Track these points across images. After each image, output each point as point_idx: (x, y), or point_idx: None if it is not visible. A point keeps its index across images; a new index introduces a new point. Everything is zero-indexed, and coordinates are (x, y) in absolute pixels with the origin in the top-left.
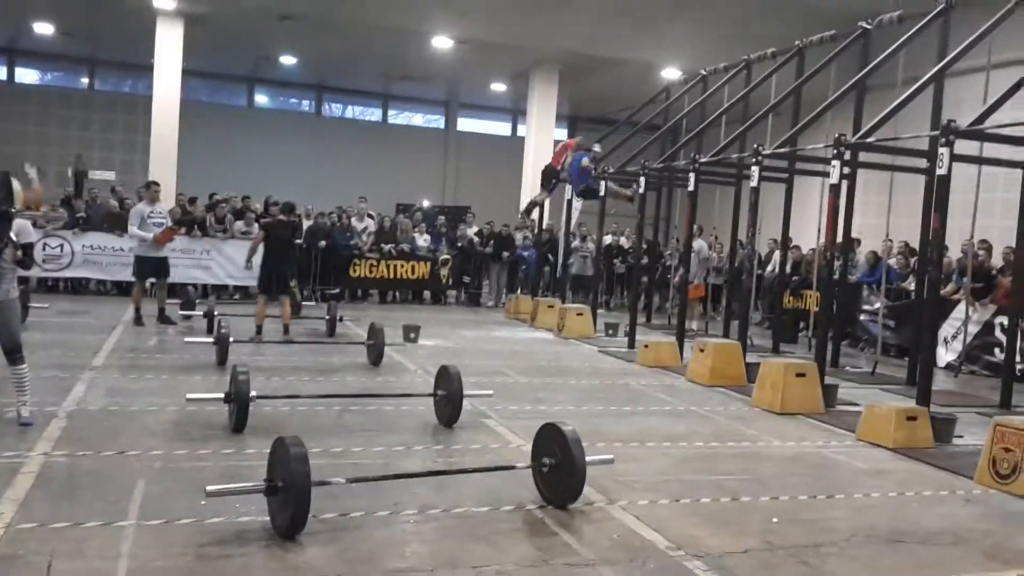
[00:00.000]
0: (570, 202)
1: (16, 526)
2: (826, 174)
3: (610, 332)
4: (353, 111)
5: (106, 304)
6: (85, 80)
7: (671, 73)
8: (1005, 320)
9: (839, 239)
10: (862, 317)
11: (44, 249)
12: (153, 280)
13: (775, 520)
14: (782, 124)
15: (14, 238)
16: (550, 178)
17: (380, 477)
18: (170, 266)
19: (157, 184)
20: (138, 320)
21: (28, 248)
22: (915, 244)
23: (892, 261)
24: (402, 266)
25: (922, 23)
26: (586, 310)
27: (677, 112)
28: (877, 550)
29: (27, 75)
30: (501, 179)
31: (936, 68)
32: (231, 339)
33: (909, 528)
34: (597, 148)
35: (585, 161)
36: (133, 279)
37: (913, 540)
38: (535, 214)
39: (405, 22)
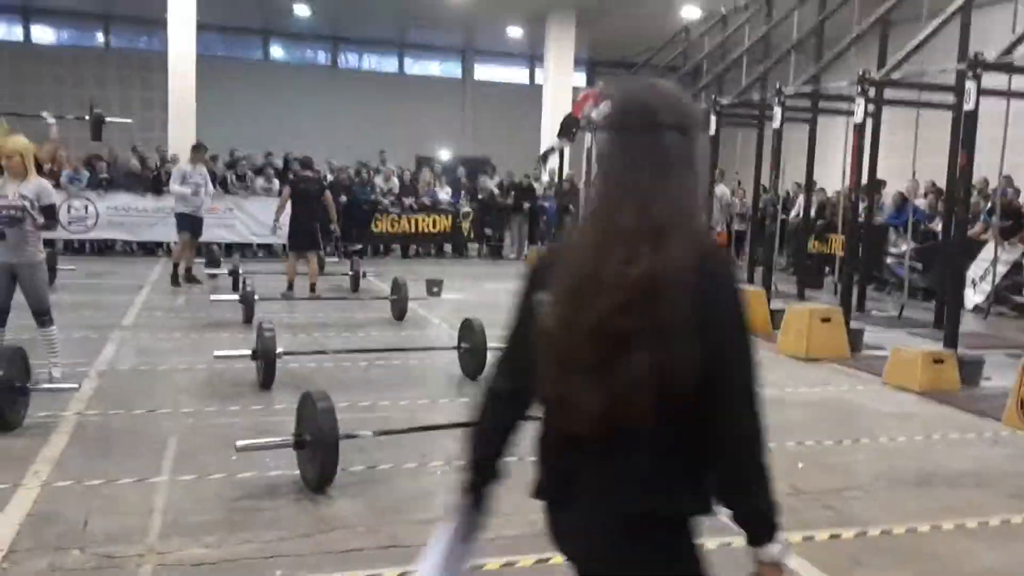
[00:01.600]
0: (590, 151)
1: (53, 484)
2: (850, 113)
3: None
4: (369, 61)
5: (132, 264)
6: (100, 37)
7: (691, 12)
8: None
9: (864, 180)
10: (888, 260)
11: (69, 211)
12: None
13: (800, 465)
14: (805, 62)
15: (35, 202)
16: (571, 128)
17: (407, 430)
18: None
19: (202, 148)
20: (176, 280)
21: (50, 210)
22: (942, 183)
23: (919, 202)
24: (423, 220)
25: None
26: None
27: (697, 53)
28: (902, 493)
29: (43, 34)
30: (520, 128)
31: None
32: (256, 296)
33: (934, 471)
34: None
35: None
36: (160, 240)
37: (938, 483)
38: (552, 162)
39: None
